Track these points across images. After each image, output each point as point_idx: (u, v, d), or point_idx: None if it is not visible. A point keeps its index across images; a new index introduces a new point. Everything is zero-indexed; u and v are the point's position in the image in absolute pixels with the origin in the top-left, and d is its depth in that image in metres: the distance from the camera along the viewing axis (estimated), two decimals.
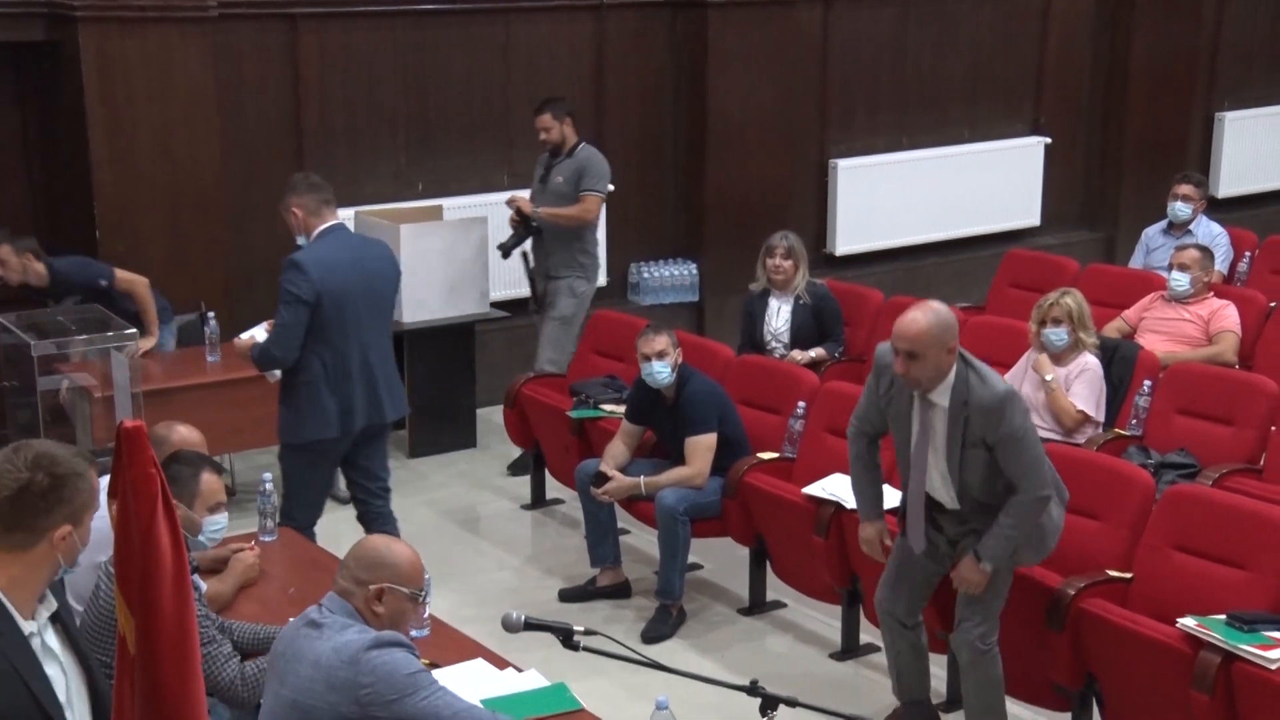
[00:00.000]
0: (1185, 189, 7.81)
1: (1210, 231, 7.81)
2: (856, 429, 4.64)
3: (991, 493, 4.37)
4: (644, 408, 5.84)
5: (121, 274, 6.48)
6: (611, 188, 7.49)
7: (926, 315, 4.20)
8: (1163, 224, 7.96)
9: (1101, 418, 5.95)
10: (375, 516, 5.64)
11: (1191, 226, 7.80)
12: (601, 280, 8.55)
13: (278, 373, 5.44)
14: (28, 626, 2.72)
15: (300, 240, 5.39)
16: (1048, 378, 5.93)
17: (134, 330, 5.57)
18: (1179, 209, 7.79)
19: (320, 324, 5.26)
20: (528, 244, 7.40)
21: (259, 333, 5.41)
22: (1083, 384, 5.92)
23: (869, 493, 4.69)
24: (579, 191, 7.23)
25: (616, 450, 5.83)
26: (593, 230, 7.42)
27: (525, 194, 7.43)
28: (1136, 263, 7.99)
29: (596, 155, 7.33)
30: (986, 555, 4.33)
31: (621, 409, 6.11)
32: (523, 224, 7.26)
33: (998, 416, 4.21)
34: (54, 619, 2.81)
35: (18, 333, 5.57)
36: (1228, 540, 4.49)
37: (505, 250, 7.35)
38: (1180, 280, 6.76)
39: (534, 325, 8.37)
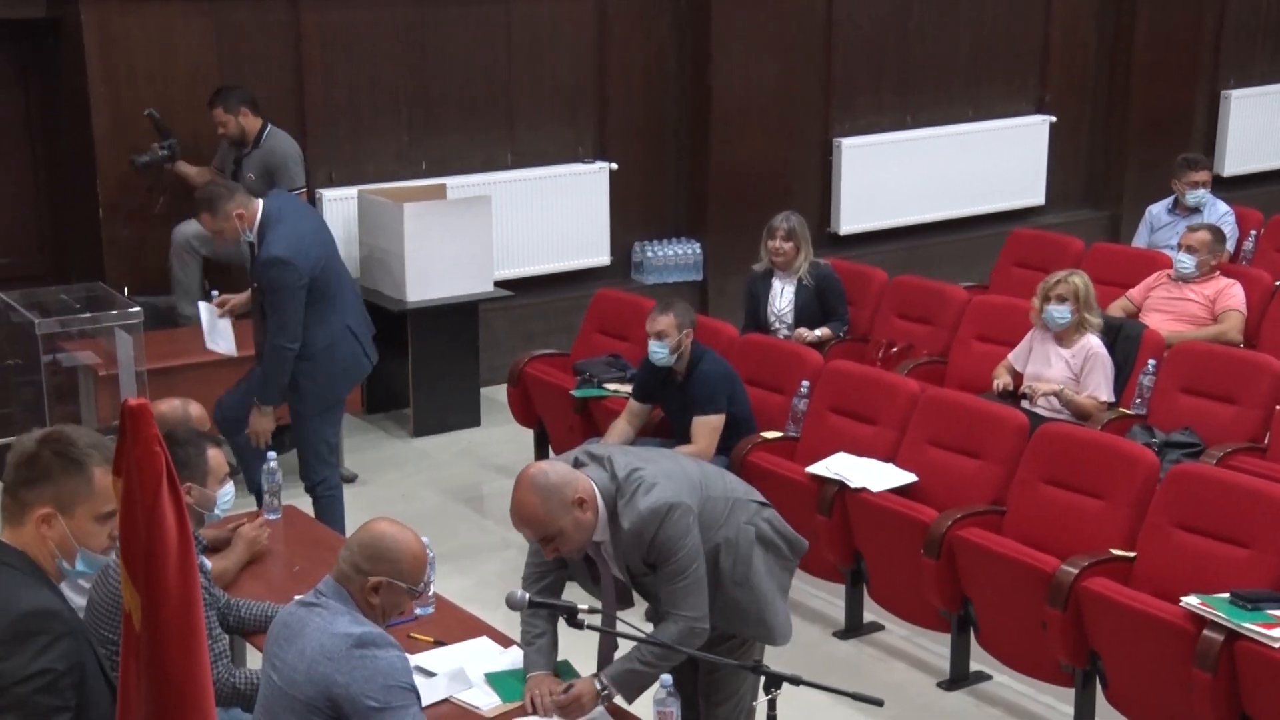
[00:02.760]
0: (1202, 175, 7.76)
1: (1217, 210, 7.79)
2: (532, 572, 3.80)
3: (709, 608, 3.72)
4: (651, 386, 5.83)
5: None
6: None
7: (532, 493, 3.48)
8: (1168, 202, 7.94)
9: (1112, 398, 5.95)
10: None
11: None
12: (603, 259, 8.57)
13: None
14: None
15: (248, 237, 5.49)
16: (1054, 390, 5.88)
17: (137, 309, 5.56)
18: (1201, 196, 7.74)
19: (313, 299, 5.46)
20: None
21: (222, 330, 5.68)
22: (1099, 374, 5.90)
23: (539, 644, 3.70)
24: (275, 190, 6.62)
25: (620, 429, 5.83)
26: None
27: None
28: (1140, 241, 7.97)
29: (284, 144, 6.87)
30: (613, 681, 3.58)
31: (625, 388, 6.12)
32: None
33: (648, 534, 3.56)
34: None
35: (22, 311, 5.57)
36: (1231, 519, 4.49)
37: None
38: (1186, 262, 6.75)
39: (539, 304, 8.39)
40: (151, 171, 6.77)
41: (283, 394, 5.53)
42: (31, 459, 2.82)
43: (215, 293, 6.25)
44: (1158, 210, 7.98)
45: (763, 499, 3.96)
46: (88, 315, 5.80)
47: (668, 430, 5.92)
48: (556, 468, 3.60)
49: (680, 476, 3.69)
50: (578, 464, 3.67)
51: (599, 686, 3.56)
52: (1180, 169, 7.87)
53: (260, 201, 5.50)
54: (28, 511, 2.81)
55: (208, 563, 4.08)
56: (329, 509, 5.61)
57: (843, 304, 6.87)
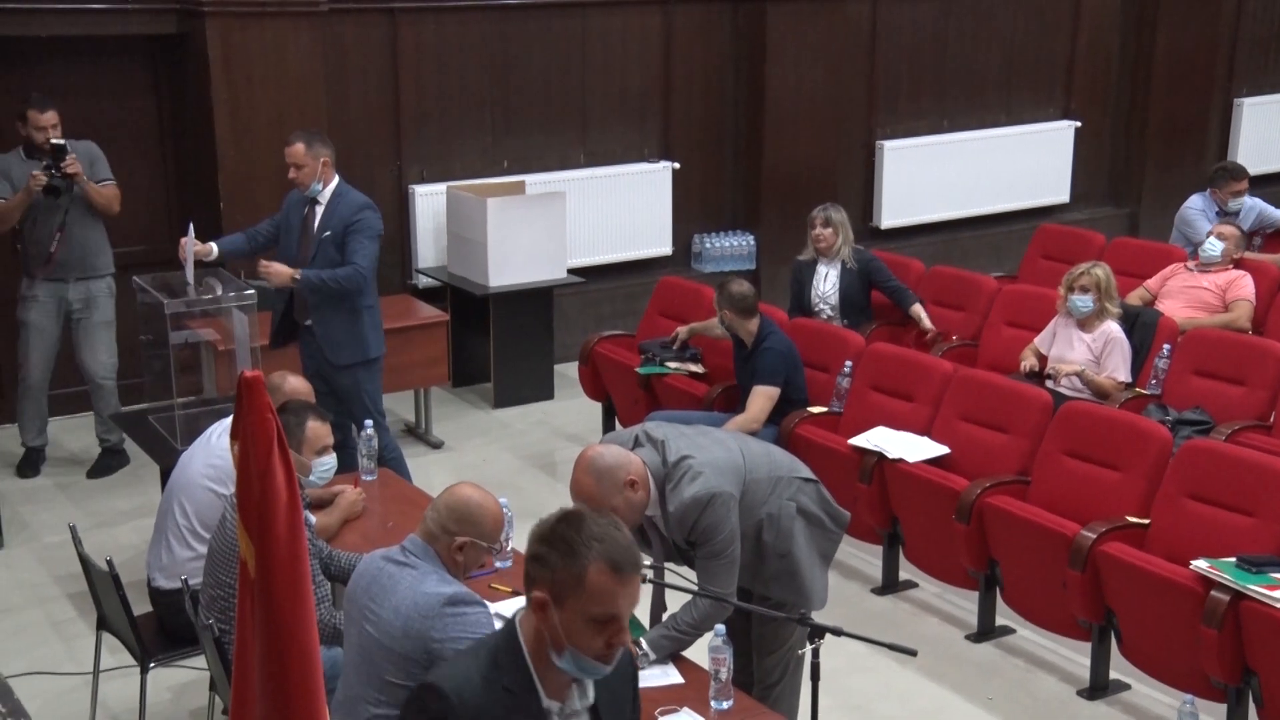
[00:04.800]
0: (1243, 184, 7.58)
1: (1253, 213, 7.75)
2: None
3: (754, 576, 3.81)
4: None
5: None
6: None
7: (588, 474, 3.47)
8: (1202, 204, 7.68)
9: (1129, 379, 5.86)
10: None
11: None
12: (665, 250, 8.56)
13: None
14: (547, 703, 2.50)
15: (317, 190, 5.46)
16: (1076, 370, 5.79)
17: (253, 291, 5.63)
18: (1242, 203, 7.59)
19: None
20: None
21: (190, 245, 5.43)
22: (1117, 356, 5.82)
23: None
24: (99, 180, 6.24)
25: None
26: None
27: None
28: (1202, 233, 7.20)
29: (89, 143, 6.28)
30: (651, 645, 3.59)
31: (685, 366, 6.28)
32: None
33: (690, 519, 3.58)
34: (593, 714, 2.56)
35: (153, 292, 5.66)
36: (1238, 490, 4.42)
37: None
38: (1214, 247, 6.64)
39: (608, 289, 8.39)
40: (54, 193, 6.07)
41: (314, 308, 5.44)
42: (546, 535, 2.43)
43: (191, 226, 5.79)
44: (1205, 208, 7.69)
45: (808, 474, 3.91)
46: (210, 296, 5.87)
47: (731, 403, 5.93)
48: (612, 450, 3.55)
49: (726, 465, 3.67)
50: (637, 443, 3.67)
51: (640, 650, 3.54)
52: (1221, 178, 7.61)
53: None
54: (531, 590, 2.42)
55: (312, 517, 4.13)
56: (397, 470, 5.62)
57: (889, 278, 6.79)
